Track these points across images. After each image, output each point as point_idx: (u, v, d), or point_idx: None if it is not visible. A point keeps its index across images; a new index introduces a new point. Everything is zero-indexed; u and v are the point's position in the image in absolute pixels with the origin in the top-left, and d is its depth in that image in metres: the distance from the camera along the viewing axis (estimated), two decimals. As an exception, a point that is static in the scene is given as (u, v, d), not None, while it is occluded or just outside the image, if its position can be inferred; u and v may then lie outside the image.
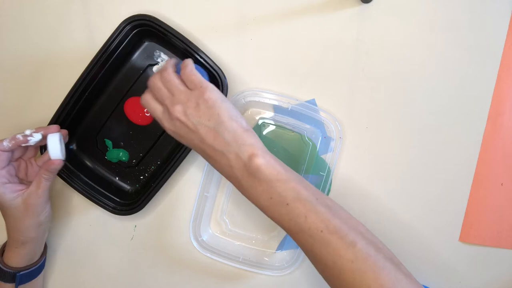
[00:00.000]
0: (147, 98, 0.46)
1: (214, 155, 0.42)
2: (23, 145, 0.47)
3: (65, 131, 0.50)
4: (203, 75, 0.46)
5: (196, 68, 0.46)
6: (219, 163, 0.42)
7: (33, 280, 0.52)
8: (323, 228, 0.38)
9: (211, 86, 0.44)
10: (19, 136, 0.46)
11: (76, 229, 0.57)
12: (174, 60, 0.47)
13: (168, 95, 0.44)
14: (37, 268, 0.52)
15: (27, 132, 0.47)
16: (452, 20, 0.55)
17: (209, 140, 0.41)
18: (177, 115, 0.42)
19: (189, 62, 0.45)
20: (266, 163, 0.40)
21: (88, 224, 0.57)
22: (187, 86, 0.44)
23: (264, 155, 0.41)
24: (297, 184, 0.40)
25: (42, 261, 0.53)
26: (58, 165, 0.47)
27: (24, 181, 0.50)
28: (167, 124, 0.44)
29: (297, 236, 0.40)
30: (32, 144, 0.47)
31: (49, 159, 0.47)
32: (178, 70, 0.47)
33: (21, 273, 0.49)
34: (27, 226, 0.48)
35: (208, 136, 0.41)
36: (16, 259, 0.49)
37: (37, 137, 0.47)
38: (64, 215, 0.57)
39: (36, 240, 0.50)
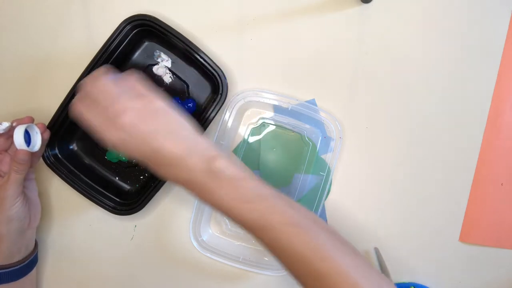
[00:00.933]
0: (80, 108, 0.41)
1: (172, 162, 0.39)
2: None
3: (41, 124, 0.49)
4: None
5: None
6: (177, 169, 0.39)
7: (19, 281, 0.50)
8: (287, 221, 0.38)
9: (159, 95, 0.42)
10: None
11: (76, 229, 0.57)
12: (104, 69, 0.44)
13: (110, 103, 0.40)
14: (19, 269, 0.49)
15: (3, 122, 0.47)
16: (452, 20, 0.55)
17: (167, 147, 0.39)
18: (126, 123, 0.39)
19: (134, 72, 0.44)
20: (228, 163, 0.40)
21: (88, 224, 0.57)
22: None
23: (224, 155, 0.40)
24: (256, 181, 0.40)
25: (25, 263, 0.50)
26: (23, 156, 0.45)
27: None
28: (110, 135, 0.39)
29: (262, 232, 0.39)
30: (0, 132, 0.47)
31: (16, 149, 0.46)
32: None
33: None
34: None
35: (166, 143, 0.39)
36: None
37: (4, 125, 0.47)
38: (64, 215, 0.57)
39: (9, 238, 0.48)
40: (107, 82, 0.41)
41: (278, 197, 0.40)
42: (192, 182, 0.40)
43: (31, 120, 0.49)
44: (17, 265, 0.49)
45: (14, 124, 0.47)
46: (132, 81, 0.42)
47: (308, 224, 0.39)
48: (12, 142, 0.50)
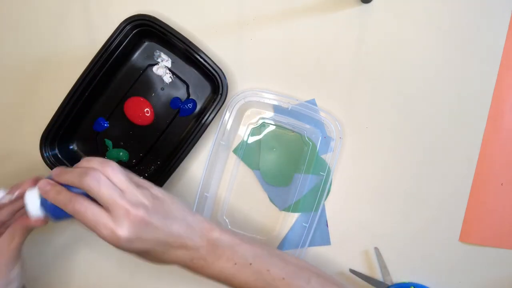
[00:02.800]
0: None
1: (178, 242, 0.41)
2: None
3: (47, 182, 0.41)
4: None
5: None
6: (186, 249, 0.41)
7: None
8: (284, 276, 0.41)
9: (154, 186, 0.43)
10: None
11: (76, 229, 0.57)
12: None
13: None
14: None
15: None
16: (452, 20, 0.55)
17: (175, 230, 0.41)
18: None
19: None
20: (222, 231, 0.42)
21: (88, 224, 0.57)
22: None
23: (217, 227, 0.43)
24: (248, 243, 0.43)
25: None
26: (40, 224, 0.42)
27: None
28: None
29: None
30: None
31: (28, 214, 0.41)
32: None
33: None
34: None
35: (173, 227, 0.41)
36: None
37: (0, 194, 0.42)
38: (64, 215, 0.57)
39: None
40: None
41: (270, 253, 0.43)
42: (196, 259, 0.42)
43: (35, 182, 0.42)
44: None
45: (16, 193, 0.42)
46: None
47: (301, 272, 0.42)
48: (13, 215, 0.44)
